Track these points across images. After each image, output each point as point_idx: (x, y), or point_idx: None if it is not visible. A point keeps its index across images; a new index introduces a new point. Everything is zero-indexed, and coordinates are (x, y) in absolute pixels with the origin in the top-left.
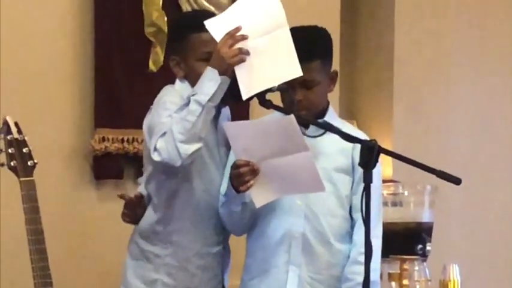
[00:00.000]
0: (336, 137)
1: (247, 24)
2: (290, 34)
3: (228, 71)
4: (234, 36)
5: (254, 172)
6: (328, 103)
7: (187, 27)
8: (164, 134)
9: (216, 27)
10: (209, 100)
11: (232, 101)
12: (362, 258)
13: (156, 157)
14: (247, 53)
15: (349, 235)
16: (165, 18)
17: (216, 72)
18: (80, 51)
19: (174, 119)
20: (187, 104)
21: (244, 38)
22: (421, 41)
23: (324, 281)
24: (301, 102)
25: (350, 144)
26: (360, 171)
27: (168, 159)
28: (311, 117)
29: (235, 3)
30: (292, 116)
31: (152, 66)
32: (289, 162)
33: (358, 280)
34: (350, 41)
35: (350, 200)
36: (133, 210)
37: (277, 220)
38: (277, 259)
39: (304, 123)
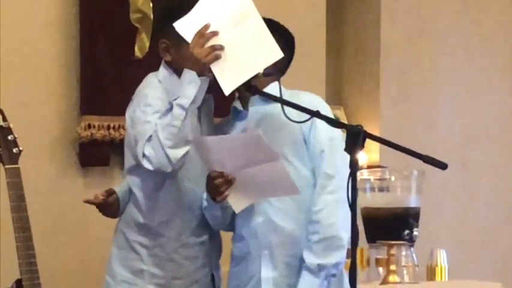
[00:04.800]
0: (278, 112)
1: (216, 20)
2: (261, 19)
3: (205, 71)
4: (204, 34)
5: (229, 182)
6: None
7: (183, 10)
8: (150, 138)
9: (186, 28)
10: (192, 103)
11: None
12: (316, 217)
13: (146, 164)
14: (221, 48)
15: None
16: (151, 4)
17: (194, 74)
18: (65, 38)
19: (158, 125)
20: (170, 109)
21: (214, 34)
22: (408, 28)
23: (299, 255)
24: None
25: (294, 113)
26: (312, 137)
27: (159, 165)
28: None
29: (200, 1)
30: (259, 133)
31: (138, 53)
32: (262, 171)
33: (313, 239)
34: (336, 28)
35: (312, 168)
36: (106, 209)
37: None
38: (249, 246)
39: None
